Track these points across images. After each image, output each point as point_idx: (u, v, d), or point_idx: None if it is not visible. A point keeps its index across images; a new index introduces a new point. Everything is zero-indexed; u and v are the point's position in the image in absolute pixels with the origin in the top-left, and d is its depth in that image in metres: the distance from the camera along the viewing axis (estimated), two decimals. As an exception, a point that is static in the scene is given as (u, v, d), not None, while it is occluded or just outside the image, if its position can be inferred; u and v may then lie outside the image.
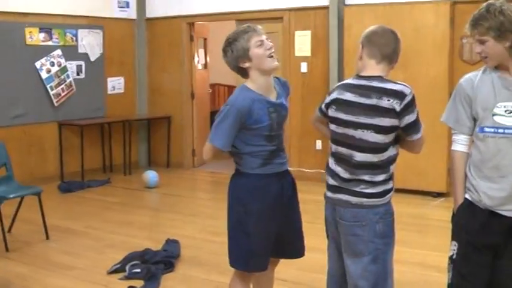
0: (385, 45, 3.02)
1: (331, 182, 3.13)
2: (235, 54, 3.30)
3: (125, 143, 9.78)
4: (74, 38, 9.24)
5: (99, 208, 7.59)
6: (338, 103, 3.08)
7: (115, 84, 10.03)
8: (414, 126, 3.00)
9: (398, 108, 2.91)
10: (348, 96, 3.04)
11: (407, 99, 2.92)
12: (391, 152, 3.02)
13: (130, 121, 9.87)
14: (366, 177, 3.00)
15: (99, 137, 9.79)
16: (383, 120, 2.93)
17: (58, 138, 9.12)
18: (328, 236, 3.32)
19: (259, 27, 3.36)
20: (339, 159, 3.10)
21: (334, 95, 3.13)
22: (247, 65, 3.31)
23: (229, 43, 3.33)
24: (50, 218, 6.28)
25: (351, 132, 3.01)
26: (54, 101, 8.97)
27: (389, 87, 2.95)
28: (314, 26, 8.94)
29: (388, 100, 2.91)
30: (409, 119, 2.95)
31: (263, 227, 3.37)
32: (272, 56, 3.32)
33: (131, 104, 10.39)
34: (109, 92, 9.94)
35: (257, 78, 3.34)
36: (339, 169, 3.08)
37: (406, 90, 2.93)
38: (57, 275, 5.10)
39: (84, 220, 6.91)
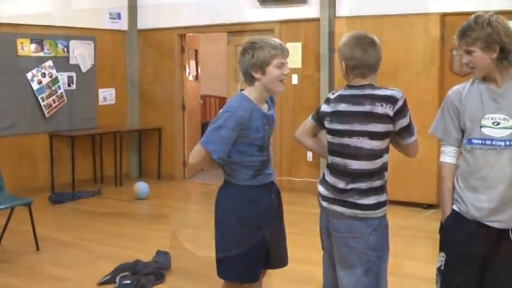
0: (367, 58, 3.04)
1: (326, 193, 3.14)
2: (253, 61, 3.32)
3: (116, 154, 9.76)
4: (65, 49, 9.24)
5: (90, 219, 7.58)
6: (333, 115, 3.10)
7: (106, 95, 10.03)
8: (408, 129, 3.04)
9: (391, 113, 2.94)
10: (342, 106, 3.07)
11: (399, 103, 2.96)
12: (385, 158, 3.06)
13: (121, 132, 9.86)
14: (363, 185, 3.01)
15: (90, 148, 9.78)
16: (377, 126, 2.96)
17: (49, 149, 9.10)
18: (323, 248, 3.33)
19: (288, 49, 3.41)
20: (335, 169, 3.11)
21: (328, 108, 3.15)
22: (257, 76, 3.33)
23: (254, 47, 3.34)
24: (40, 229, 6.26)
25: (345, 141, 3.04)
26: (46, 111, 8.95)
27: (381, 93, 2.98)
28: (305, 38, 8.98)
29: (382, 105, 2.94)
30: (402, 123, 3.00)
31: (256, 238, 3.39)
32: (282, 81, 3.36)
33: (122, 115, 10.39)
34: (100, 103, 9.94)
35: (260, 91, 3.38)
36: (334, 180, 3.10)
37: (398, 95, 2.97)
38: (48, 286, 5.09)
39: (75, 231, 6.89)
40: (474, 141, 2.92)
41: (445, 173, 3.08)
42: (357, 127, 2.99)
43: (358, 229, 3.04)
